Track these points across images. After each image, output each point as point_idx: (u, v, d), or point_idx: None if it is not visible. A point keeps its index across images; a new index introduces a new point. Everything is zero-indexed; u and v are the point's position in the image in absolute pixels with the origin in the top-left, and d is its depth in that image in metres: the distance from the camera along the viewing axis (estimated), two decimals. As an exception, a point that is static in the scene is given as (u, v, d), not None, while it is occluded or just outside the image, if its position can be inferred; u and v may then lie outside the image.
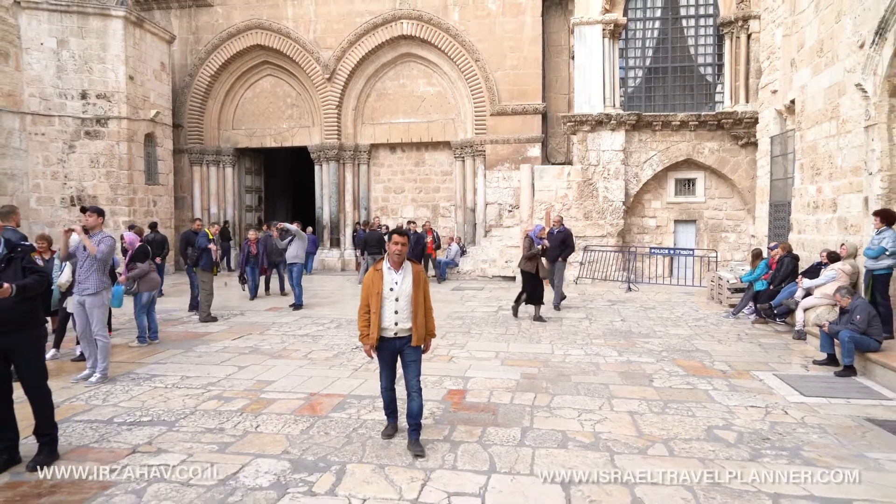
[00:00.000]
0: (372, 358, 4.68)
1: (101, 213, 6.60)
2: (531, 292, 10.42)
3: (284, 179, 25.35)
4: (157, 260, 13.52)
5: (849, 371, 7.01)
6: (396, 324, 4.57)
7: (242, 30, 19.39)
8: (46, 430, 4.29)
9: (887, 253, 7.75)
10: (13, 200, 15.40)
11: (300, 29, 19.10)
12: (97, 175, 16.44)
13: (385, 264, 4.63)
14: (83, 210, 8.48)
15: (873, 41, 8.12)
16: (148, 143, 17.67)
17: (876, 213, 7.92)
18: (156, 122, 17.78)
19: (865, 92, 8.40)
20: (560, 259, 11.78)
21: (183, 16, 19.71)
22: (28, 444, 4.44)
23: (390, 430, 4.89)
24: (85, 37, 16.04)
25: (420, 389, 4.69)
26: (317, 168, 20.01)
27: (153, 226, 14.45)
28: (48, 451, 4.29)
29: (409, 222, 17.63)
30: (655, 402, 5.87)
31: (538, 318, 10.36)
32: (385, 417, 5.01)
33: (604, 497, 3.82)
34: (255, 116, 20.32)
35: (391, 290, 4.55)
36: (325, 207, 19.97)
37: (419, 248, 15.13)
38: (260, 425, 5.16)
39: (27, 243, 4.63)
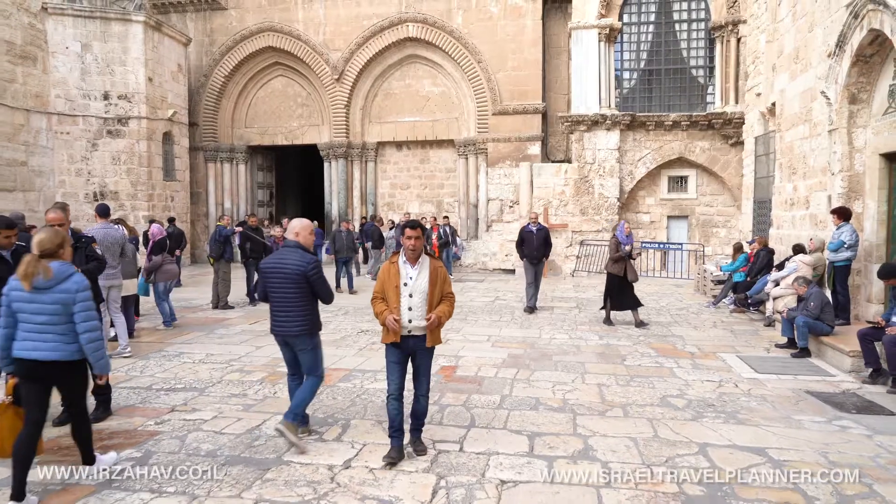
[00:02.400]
0: (398, 325, 4.22)
1: (100, 212, 7.46)
2: (619, 297, 9.74)
3: (295, 176, 26.23)
4: (177, 252, 14.47)
5: (804, 353, 7.79)
6: (410, 321, 4.28)
7: (255, 32, 20.24)
8: (102, 389, 5.16)
9: (845, 246, 8.48)
10: (41, 196, 16.37)
11: (310, 31, 19.92)
12: (119, 172, 17.37)
13: (401, 258, 4.39)
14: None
15: (834, 52, 8.84)
16: (166, 142, 18.59)
17: (833, 212, 8.65)
18: (173, 121, 18.69)
19: (829, 99, 9.13)
20: (543, 259, 11.10)
21: (198, 19, 20.59)
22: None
23: (394, 455, 4.30)
24: (107, 41, 16.94)
25: (428, 391, 4.54)
26: (326, 165, 20.87)
27: (171, 220, 15.36)
28: (104, 407, 5.18)
29: (444, 216, 17.68)
30: (622, 377, 6.68)
31: (640, 322, 9.66)
32: (388, 435, 4.47)
33: (560, 444, 4.65)
34: (267, 115, 21.20)
35: (405, 285, 4.30)
36: (333, 203, 20.83)
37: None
38: (277, 392, 6.02)
39: (89, 235, 5.53)
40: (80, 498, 3.73)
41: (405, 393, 4.50)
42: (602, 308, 10.15)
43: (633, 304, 9.80)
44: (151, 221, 14.33)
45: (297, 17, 19.95)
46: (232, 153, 21.33)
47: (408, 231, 4.33)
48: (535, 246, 10.86)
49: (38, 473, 4.02)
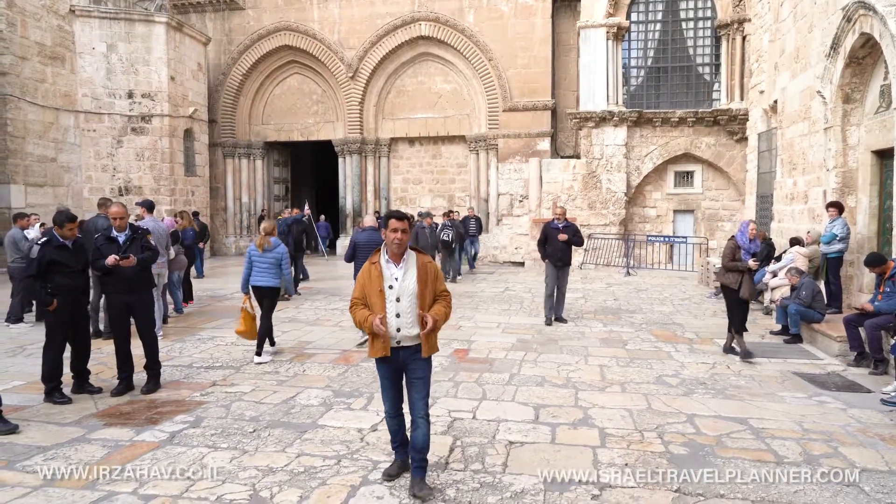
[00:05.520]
0: (384, 330, 3.64)
1: (148, 207, 8.42)
2: (732, 315, 7.53)
3: (310, 170, 26.86)
4: (201, 244, 15.13)
5: (796, 339, 8.28)
6: (399, 330, 3.70)
7: (272, 31, 20.83)
8: (154, 365, 5.81)
9: (838, 238, 8.94)
10: (69, 191, 17.09)
11: (325, 30, 20.48)
12: (142, 167, 18.06)
13: (382, 256, 3.79)
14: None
15: (829, 54, 9.28)
16: (186, 138, 19.25)
17: (830, 205, 9.10)
18: (193, 118, 19.35)
19: (824, 98, 9.57)
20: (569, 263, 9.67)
21: (217, 19, 21.20)
22: (132, 378, 5.94)
23: (394, 469, 3.97)
24: (131, 41, 17.60)
25: (427, 415, 3.84)
26: (340, 160, 21.46)
27: (195, 214, 16.00)
28: (154, 381, 5.80)
29: (444, 213, 16.76)
30: (623, 359, 7.22)
31: (746, 353, 7.25)
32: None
33: (563, 414, 5.20)
34: (283, 112, 21.80)
35: (390, 287, 3.71)
36: (347, 197, 21.44)
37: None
38: (306, 370, 6.62)
39: (144, 227, 6.16)
40: (148, 451, 4.33)
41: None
42: (728, 332, 7.74)
43: (740, 324, 7.49)
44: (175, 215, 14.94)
45: (312, 16, 20.51)
46: (249, 149, 21.97)
47: (394, 223, 3.70)
48: (560, 246, 9.29)
49: (108, 433, 4.64)
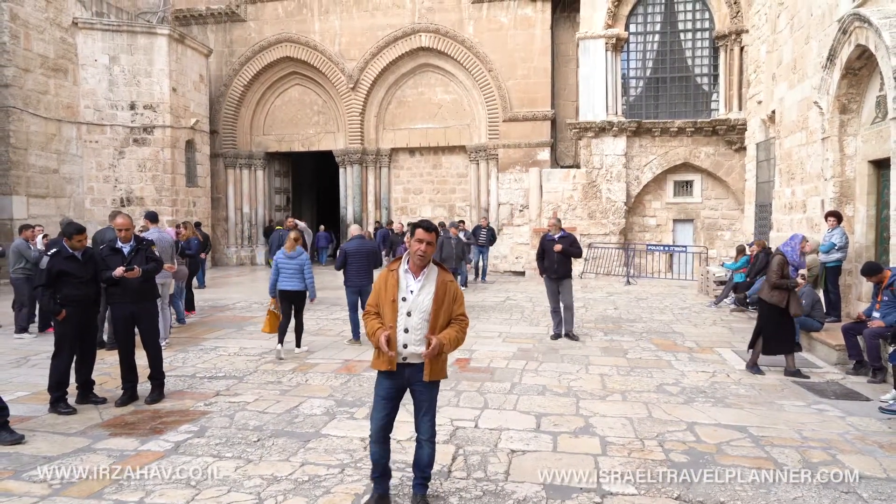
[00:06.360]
0: (388, 350, 3.52)
1: (151, 218, 8.53)
2: (775, 334, 7.15)
3: (310, 180, 26.98)
4: (203, 255, 15.18)
5: (795, 347, 8.29)
6: (406, 346, 3.55)
7: (273, 43, 20.98)
8: (158, 375, 5.85)
9: (836, 247, 9.01)
10: (71, 202, 17.17)
11: (326, 42, 20.64)
12: (144, 178, 18.14)
13: (402, 266, 3.64)
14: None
15: (826, 65, 9.39)
16: (188, 149, 19.34)
17: (829, 215, 9.17)
18: (195, 129, 19.46)
19: (821, 108, 9.67)
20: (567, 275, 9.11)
21: (219, 30, 21.37)
22: (136, 388, 5.98)
23: None
24: (133, 53, 17.74)
25: (434, 437, 3.71)
26: (341, 171, 21.57)
27: (197, 224, 16.05)
28: (158, 391, 5.84)
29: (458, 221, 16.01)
30: (623, 368, 7.26)
31: (794, 371, 7.07)
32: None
33: (564, 423, 5.24)
34: (284, 123, 21.93)
35: (403, 299, 3.56)
36: (348, 207, 21.52)
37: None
38: (309, 380, 6.66)
39: (149, 238, 6.22)
40: (154, 461, 4.37)
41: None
42: (749, 348, 7.50)
43: (791, 347, 7.24)
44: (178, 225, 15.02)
45: (313, 28, 20.68)
46: (250, 159, 22.08)
47: (421, 233, 3.54)
48: (555, 257, 8.95)
49: (114, 443, 4.68)
